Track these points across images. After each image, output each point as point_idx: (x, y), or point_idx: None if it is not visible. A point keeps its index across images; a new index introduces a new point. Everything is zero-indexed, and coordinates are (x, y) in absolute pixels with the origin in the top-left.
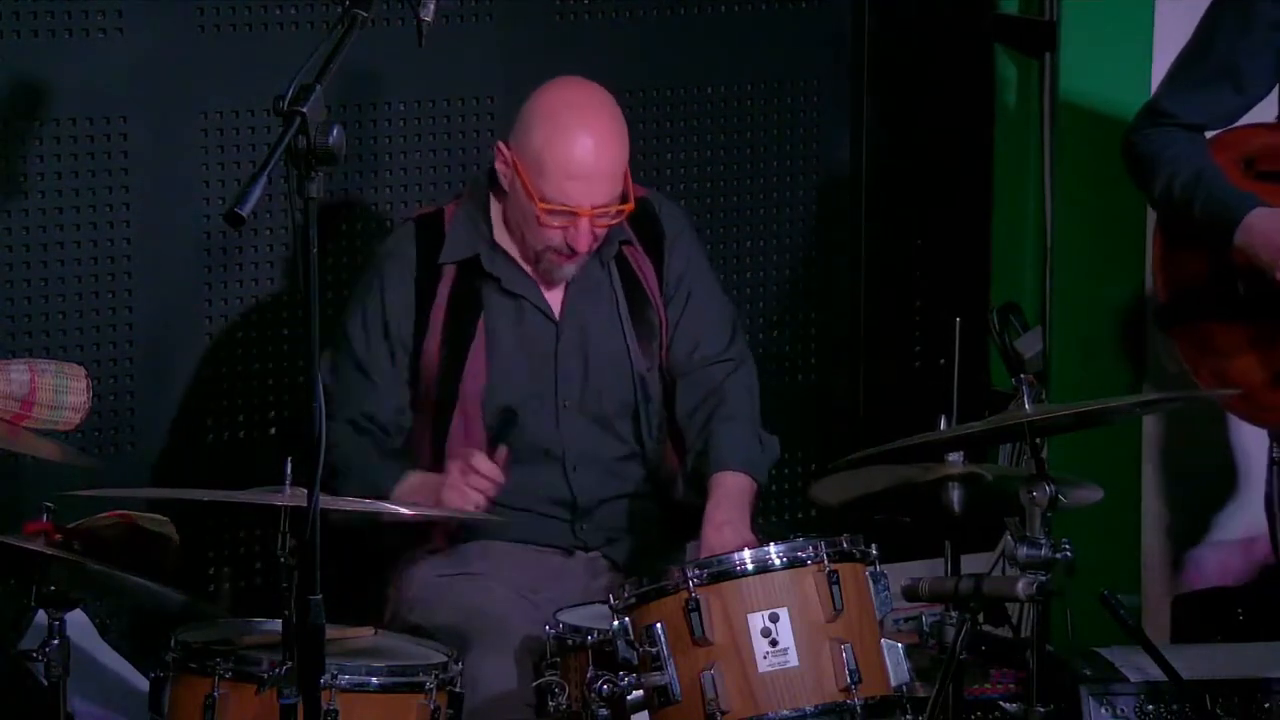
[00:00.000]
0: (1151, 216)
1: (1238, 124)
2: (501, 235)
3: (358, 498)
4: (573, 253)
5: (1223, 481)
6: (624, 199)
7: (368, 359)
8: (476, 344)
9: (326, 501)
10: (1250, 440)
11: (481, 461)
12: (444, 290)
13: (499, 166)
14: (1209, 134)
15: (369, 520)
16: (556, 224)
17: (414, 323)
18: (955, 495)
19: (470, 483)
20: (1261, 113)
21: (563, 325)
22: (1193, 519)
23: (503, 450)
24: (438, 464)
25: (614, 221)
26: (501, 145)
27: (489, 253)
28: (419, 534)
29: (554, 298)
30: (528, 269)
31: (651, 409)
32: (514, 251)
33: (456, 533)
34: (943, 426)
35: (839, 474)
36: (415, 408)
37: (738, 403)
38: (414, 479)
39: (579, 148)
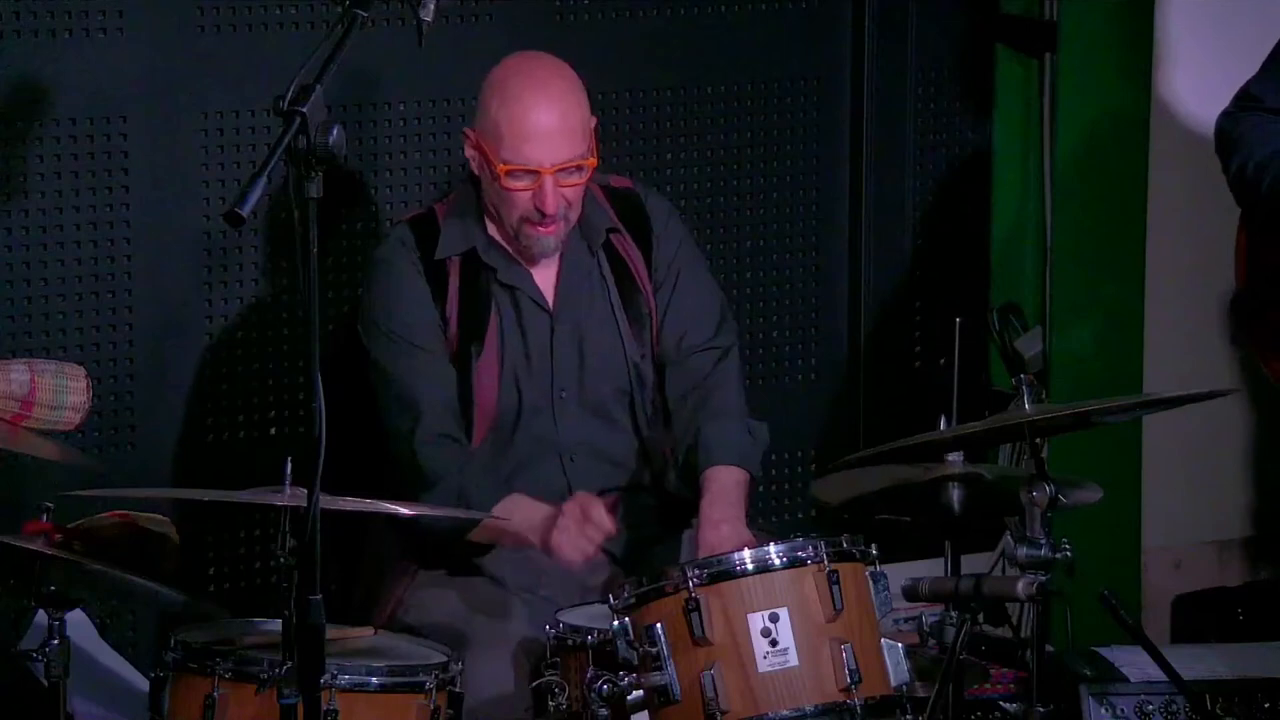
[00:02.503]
0: (1152, 216)
1: None
2: (492, 228)
3: (451, 510)
4: (543, 217)
5: None
6: (587, 155)
7: (421, 361)
8: (490, 337)
9: (328, 502)
10: None
11: (597, 510)
12: (453, 284)
13: (468, 152)
14: None
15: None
16: (520, 185)
17: (439, 317)
18: (955, 495)
19: (586, 533)
20: None
21: (557, 315)
22: None
23: (611, 498)
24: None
25: (582, 180)
26: (467, 130)
27: (485, 244)
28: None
29: (547, 288)
30: (520, 260)
31: (646, 397)
32: (505, 243)
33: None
34: (943, 427)
35: (839, 474)
36: None
37: (726, 395)
38: (519, 503)
39: (531, 108)
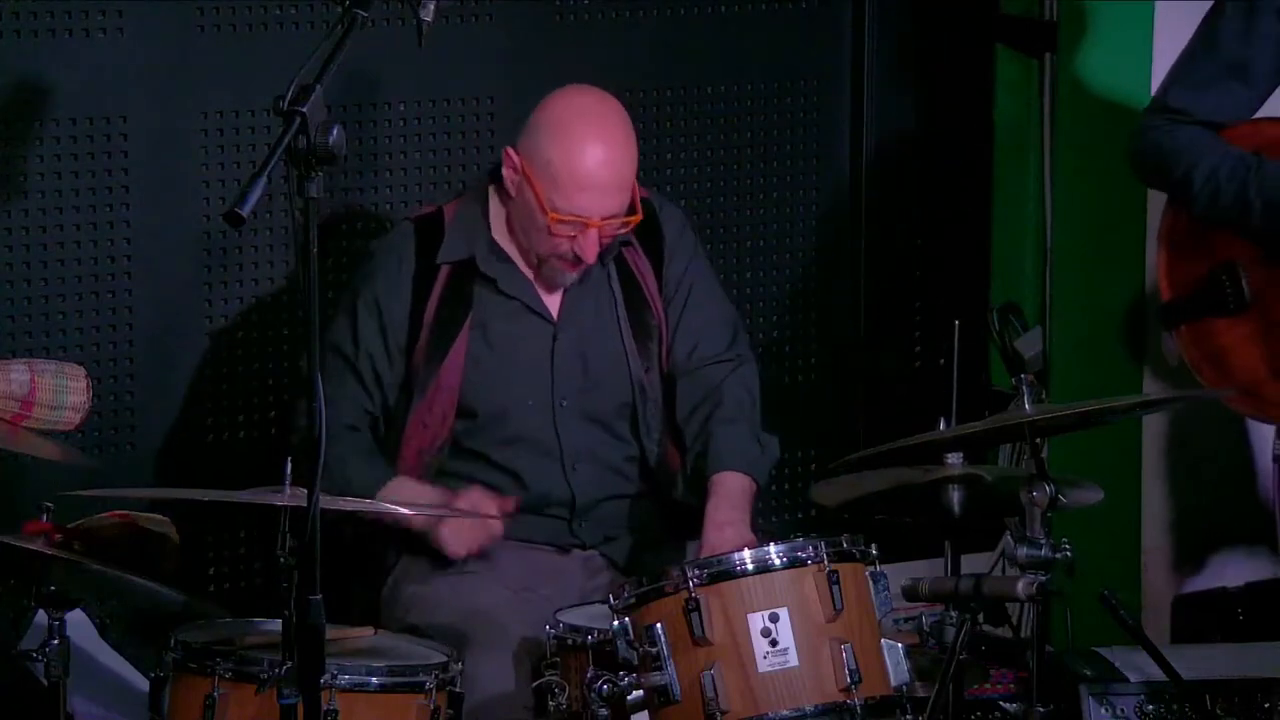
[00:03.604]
0: (1152, 216)
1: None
2: (501, 236)
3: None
4: (578, 261)
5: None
6: (632, 210)
7: (358, 358)
8: (458, 343)
9: (326, 502)
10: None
11: (493, 522)
12: (437, 289)
13: (507, 173)
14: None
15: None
16: (565, 234)
17: (409, 322)
18: (955, 497)
19: (475, 533)
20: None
21: (560, 326)
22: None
23: (510, 503)
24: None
25: (621, 231)
26: (510, 151)
27: (486, 254)
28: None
29: (552, 298)
30: (526, 271)
31: (650, 409)
32: (513, 253)
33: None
34: (943, 429)
35: (838, 477)
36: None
37: (737, 403)
38: (403, 486)
39: (591, 159)
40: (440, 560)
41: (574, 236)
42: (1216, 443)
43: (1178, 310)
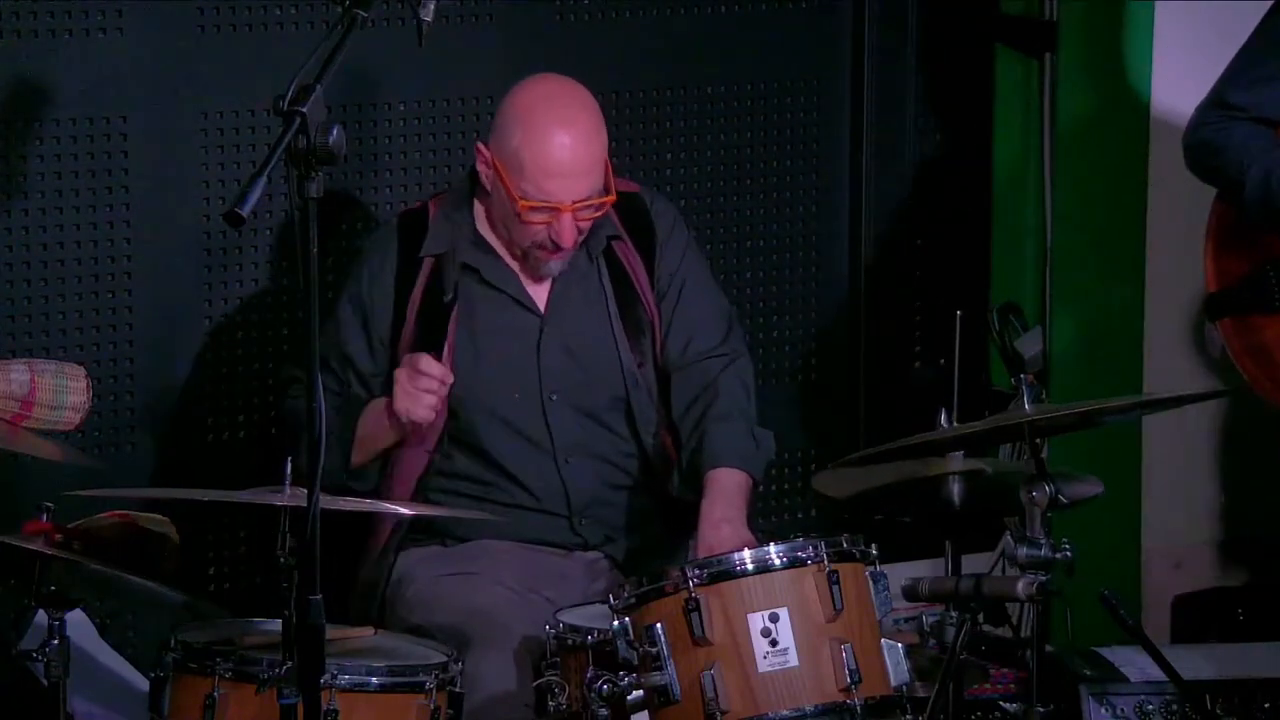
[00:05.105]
0: (1152, 216)
1: None
2: (485, 229)
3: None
4: (558, 248)
5: None
6: (605, 191)
7: (347, 342)
8: (449, 334)
9: (326, 501)
10: None
11: (426, 362)
12: (421, 282)
13: (480, 168)
14: None
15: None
16: (539, 220)
17: (392, 315)
18: (956, 490)
19: (418, 385)
20: None
21: (547, 318)
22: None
23: (442, 354)
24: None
25: (597, 215)
26: (481, 146)
27: (469, 246)
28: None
29: (539, 291)
30: (512, 263)
31: (644, 404)
32: (498, 246)
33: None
34: (943, 420)
35: (839, 470)
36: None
37: (732, 399)
38: (372, 406)
39: (556, 145)
40: (441, 560)
41: (548, 223)
42: (1218, 440)
43: (1223, 302)
